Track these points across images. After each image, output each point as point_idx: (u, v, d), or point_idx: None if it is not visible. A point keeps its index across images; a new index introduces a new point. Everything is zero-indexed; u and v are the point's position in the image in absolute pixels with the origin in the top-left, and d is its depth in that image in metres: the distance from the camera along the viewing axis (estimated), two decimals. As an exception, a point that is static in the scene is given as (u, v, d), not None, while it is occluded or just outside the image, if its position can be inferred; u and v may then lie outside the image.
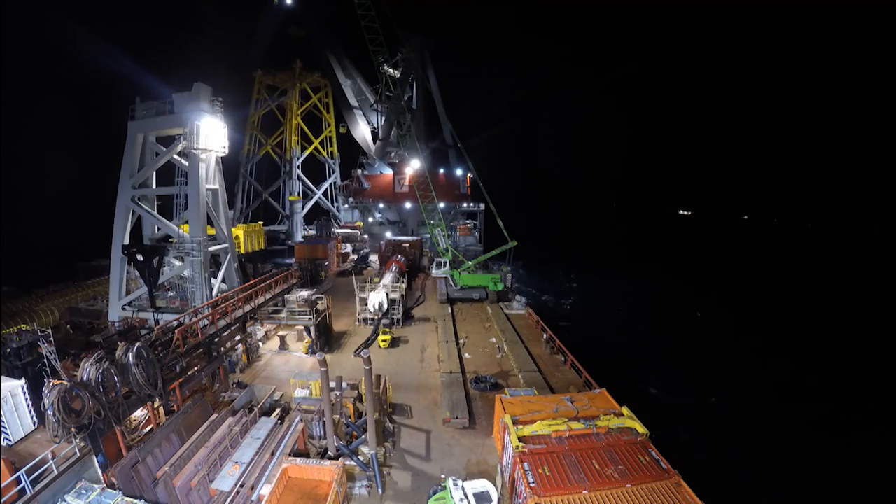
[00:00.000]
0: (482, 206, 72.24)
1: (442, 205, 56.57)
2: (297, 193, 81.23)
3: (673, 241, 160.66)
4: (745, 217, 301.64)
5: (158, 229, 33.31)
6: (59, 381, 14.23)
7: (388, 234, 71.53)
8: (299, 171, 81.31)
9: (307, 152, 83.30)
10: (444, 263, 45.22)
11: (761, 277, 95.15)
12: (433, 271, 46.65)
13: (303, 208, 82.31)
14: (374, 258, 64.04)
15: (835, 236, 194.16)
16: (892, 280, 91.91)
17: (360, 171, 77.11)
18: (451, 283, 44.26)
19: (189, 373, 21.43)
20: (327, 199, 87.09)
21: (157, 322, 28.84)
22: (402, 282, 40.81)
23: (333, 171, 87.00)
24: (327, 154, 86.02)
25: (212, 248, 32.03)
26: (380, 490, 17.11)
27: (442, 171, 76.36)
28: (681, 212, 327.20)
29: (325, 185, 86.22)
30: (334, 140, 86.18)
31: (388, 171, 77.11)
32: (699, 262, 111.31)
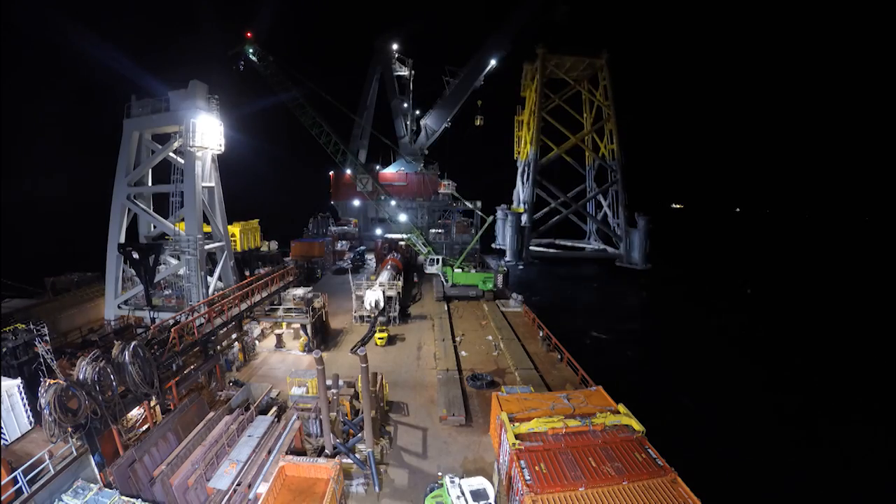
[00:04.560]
0: (479, 203, 72.89)
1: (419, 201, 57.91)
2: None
3: (667, 236, 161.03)
4: (738, 210, 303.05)
5: (154, 227, 33.19)
6: (56, 381, 14.18)
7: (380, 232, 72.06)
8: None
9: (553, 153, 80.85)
10: (437, 261, 45.30)
11: (756, 271, 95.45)
12: (426, 268, 46.83)
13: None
14: (370, 256, 64.14)
15: (827, 225, 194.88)
16: (886, 269, 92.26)
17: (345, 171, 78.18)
18: (444, 280, 44.53)
19: (185, 371, 21.40)
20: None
21: (153, 320, 28.73)
22: (399, 279, 40.83)
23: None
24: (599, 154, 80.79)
25: (208, 247, 31.92)
26: (377, 488, 17.18)
27: (418, 169, 79.58)
28: (673, 205, 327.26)
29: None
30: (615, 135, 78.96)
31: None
32: (694, 258, 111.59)
